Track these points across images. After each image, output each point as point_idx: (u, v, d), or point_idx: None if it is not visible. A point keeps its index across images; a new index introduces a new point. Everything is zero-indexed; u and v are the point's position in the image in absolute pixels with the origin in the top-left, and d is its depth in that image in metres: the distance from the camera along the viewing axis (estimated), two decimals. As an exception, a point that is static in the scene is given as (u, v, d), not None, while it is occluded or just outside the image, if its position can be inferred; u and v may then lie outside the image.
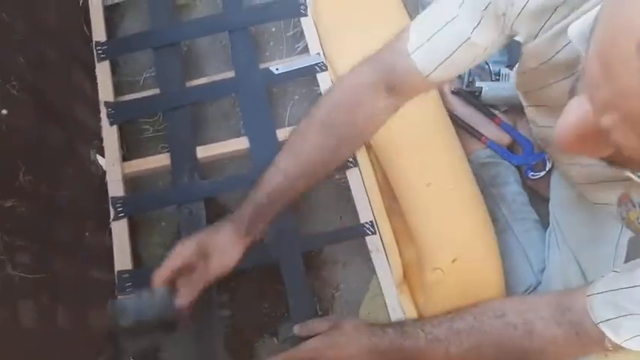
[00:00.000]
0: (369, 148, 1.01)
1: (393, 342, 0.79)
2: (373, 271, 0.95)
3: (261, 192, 0.78)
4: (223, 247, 0.79)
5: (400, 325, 0.82)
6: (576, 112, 0.43)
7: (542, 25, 0.59)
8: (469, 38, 0.65)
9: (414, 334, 0.79)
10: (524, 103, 0.87)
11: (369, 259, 0.96)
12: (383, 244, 0.95)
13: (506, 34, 0.65)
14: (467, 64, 0.70)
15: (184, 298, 0.77)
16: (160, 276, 0.76)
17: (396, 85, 0.73)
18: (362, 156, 1.00)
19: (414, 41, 0.68)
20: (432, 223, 0.89)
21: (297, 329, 0.86)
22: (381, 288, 0.94)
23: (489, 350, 0.75)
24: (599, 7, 0.40)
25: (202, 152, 1.01)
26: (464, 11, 0.64)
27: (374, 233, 0.96)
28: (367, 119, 0.77)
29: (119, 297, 0.86)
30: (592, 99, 0.41)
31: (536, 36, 0.61)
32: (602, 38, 0.39)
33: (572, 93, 0.45)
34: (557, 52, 0.61)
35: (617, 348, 0.64)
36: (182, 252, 0.77)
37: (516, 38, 0.65)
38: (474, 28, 0.64)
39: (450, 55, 0.66)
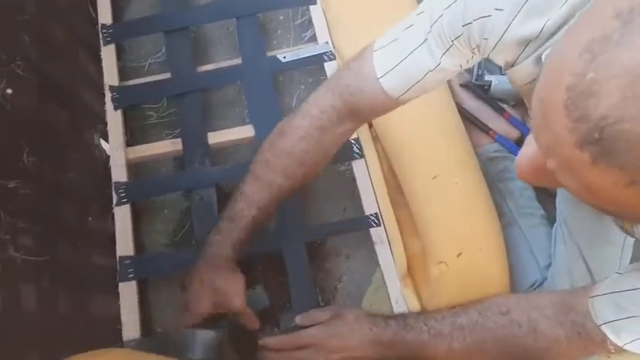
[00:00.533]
0: (375, 139, 1.00)
1: (396, 334, 0.79)
2: (377, 263, 0.95)
3: (238, 227, 0.80)
4: (232, 287, 0.82)
5: (403, 317, 0.82)
6: (530, 147, 0.45)
7: (519, 55, 0.59)
8: (439, 64, 0.64)
9: (416, 327, 0.78)
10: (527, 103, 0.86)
11: (373, 251, 0.95)
12: (387, 236, 0.94)
13: (482, 57, 0.65)
14: (440, 83, 0.70)
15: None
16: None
17: (361, 109, 0.73)
18: (368, 147, 1.00)
19: (382, 66, 0.68)
20: (438, 216, 0.89)
21: (298, 319, 0.85)
22: (384, 280, 0.93)
23: (492, 347, 0.75)
24: None
25: (213, 138, 1.00)
26: (432, 39, 0.63)
27: (378, 225, 0.95)
28: (332, 144, 0.79)
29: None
30: (537, 141, 0.43)
31: (514, 64, 0.61)
32: (541, 86, 0.40)
33: None
34: (537, 77, 0.61)
35: (619, 350, 0.63)
36: (199, 309, 0.81)
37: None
38: (443, 54, 0.64)
39: (421, 79, 0.66)
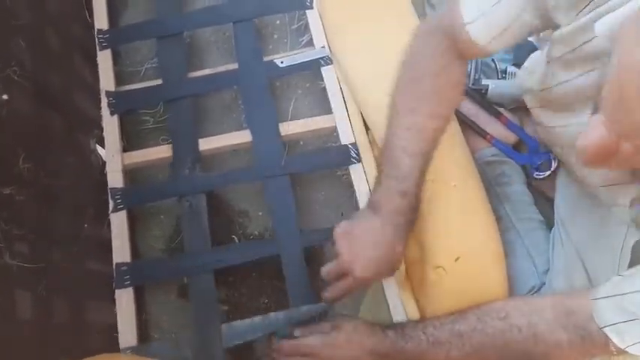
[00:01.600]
0: (372, 143, 1.00)
1: (394, 344, 0.79)
2: (374, 268, 0.94)
3: (413, 185, 0.78)
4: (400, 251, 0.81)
5: (401, 327, 0.81)
6: (597, 131, 0.45)
7: (577, 13, 0.60)
8: (520, 16, 0.66)
9: (415, 336, 0.78)
10: (528, 105, 0.86)
11: (371, 257, 0.95)
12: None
13: (544, 18, 0.66)
14: (520, 38, 0.71)
15: None
16: None
17: (462, 51, 0.74)
18: (365, 152, 0.99)
19: (470, 13, 0.70)
20: (435, 220, 0.88)
21: (297, 332, 0.84)
22: (382, 286, 0.93)
23: (492, 353, 0.74)
24: (626, 5, 0.41)
25: (204, 145, 1.00)
26: None
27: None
28: (456, 83, 0.79)
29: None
30: (611, 124, 0.43)
31: (569, 23, 0.62)
32: (621, 71, 0.41)
33: (595, 109, 0.46)
34: (584, 43, 0.62)
35: (622, 352, 0.63)
36: (365, 274, 0.80)
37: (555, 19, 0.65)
38: (524, 8, 0.66)
39: (505, 29, 0.68)
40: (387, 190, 0.78)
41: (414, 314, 0.89)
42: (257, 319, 0.88)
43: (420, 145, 0.78)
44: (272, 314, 0.88)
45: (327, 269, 0.82)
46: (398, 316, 0.89)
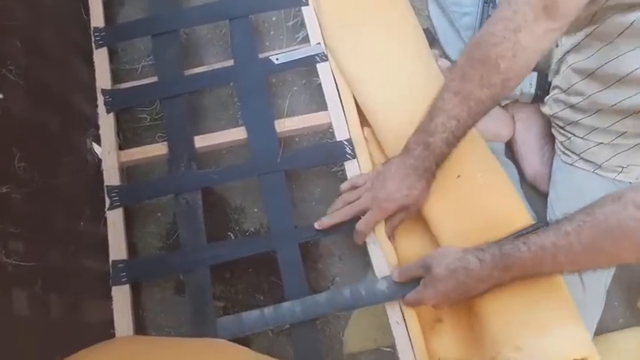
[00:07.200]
0: (368, 140, 1.00)
1: (494, 264, 0.74)
2: (369, 264, 0.95)
3: (440, 141, 0.82)
4: (423, 195, 0.88)
5: (499, 245, 0.76)
6: None
7: None
8: None
9: (514, 248, 0.73)
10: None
11: (366, 253, 0.95)
12: (379, 237, 0.94)
13: None
14: None
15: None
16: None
17: (553, 3, 0.72)
18: (360, 148, 0.99)
19: None
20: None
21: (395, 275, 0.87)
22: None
23: (606, 245, 0.65)
24: None
25: (200, 142, 1.00)
26: None
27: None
28: (532, 48, 0.75)
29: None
30: None
31: None
32: None
33: None
34: None
35: None
36: (388, 210, 0.88)
37: None
38: None
39: None
40: (415, 139, 0.85)
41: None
42: (267, 310, 0.87)
43: (460, 110, 0.79)
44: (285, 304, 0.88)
45: (346, 187, 0.94)
46: (393, 310, 0.88)
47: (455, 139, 0.82)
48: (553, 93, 0.97)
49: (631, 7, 0.74)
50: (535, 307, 0.77)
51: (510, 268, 0.73)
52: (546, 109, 0.99)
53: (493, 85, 0.77)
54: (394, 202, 0.87)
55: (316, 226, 0.92)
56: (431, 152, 0.83)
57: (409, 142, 0.86)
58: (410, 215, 0.90)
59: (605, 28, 0.81)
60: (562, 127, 0.97)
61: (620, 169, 0.92)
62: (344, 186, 0.95)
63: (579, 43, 0.88)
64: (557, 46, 0.97)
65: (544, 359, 0.74)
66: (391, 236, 0.93)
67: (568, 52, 0.92)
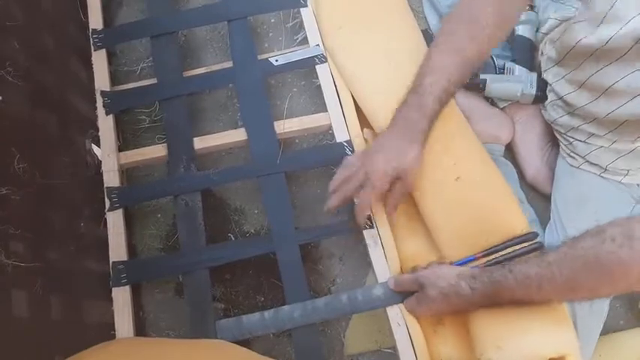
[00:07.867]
0: (367, 142, 1.00)
1: (484, 292, 0.76)
2: (370, 265, 0.95)
3: (431, 100, 0.82)
4: (416, 156, 0.85)
5: (489, 270, 0.78)
6: None
7: None
8: None
9: (502, 275, 0.74)
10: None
11: (366, 254, 0.95)
12: (380, 238, 0.94)
13: None
14: None
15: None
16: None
17: None
18: (360, 149, 0.99)
19: None
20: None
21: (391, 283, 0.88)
22: (377, 282, 0.93)
23: (585, 278, 0.67)
24: None
25: (199, 143, 1.00)
26: None
27: (371, 227, 0.95)
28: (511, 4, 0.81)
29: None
30: None
31: None
32: None
33: None
34: None
35: None
36: (380, 178, 0.84)
37: None
38: None
39: None
40: (406, 103, 0.85)
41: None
42: (268, 313, 0.88)
43: (450, 66, 0.81)
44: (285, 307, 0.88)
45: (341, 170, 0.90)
46: (392, 312, 0.89)
47: (446, 96, 0.83)
48: (551, 97, 0.98)
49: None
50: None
51: (500, 295, 0.75)
52: (547, 116, 1.00)
53: (480, 40, 0.81)
54: (385, 174, 0.85)
55: (325, 209, 0.90)
56: (424, 113, 0.83)
57: (398, 110, 0.86)
58: (407, 187, 0.88)
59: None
60: (564, 133, 0.97)
61: (625, 172, 0.92)
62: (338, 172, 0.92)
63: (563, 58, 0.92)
64: (541, 54, 0.99)
65: (522, 359, 0.76)
66: (394, 212, 0.91)
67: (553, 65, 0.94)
